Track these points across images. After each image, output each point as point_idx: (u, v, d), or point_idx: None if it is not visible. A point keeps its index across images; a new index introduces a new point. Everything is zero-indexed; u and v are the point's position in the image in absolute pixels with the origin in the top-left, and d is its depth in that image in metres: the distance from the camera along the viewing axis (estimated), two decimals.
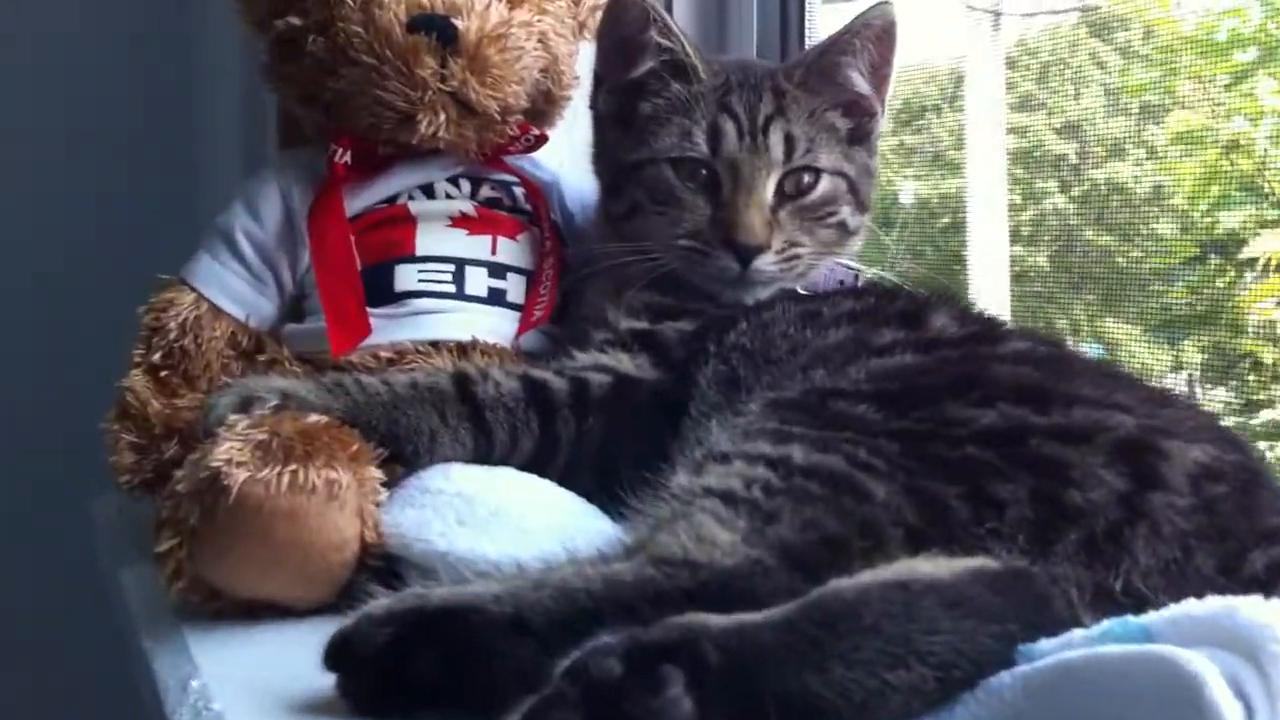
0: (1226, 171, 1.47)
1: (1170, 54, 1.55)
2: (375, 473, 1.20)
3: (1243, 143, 1.47)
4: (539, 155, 1.65)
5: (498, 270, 1.53)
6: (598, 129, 1.60)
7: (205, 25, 2.10)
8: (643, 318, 1.44)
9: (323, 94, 1.50)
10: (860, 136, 1.54)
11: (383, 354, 1.41)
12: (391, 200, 1.53)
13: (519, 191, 1.61)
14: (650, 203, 1.46)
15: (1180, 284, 1.56)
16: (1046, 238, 1.86)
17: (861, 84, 1.52)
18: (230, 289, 1.52)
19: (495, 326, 1.49)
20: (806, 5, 2.00)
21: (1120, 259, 1.67)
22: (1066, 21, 1.80)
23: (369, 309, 1.43)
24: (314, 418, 1.18)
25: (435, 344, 1.43)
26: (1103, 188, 1.72)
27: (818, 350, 1.23)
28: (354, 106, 1.47)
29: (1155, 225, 1.62)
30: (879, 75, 1.52)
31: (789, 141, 1.46)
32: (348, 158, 1.48)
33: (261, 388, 1.26)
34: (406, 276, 1.48)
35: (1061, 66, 1.79)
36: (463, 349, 1.44)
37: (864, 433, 1.00)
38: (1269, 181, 1.44)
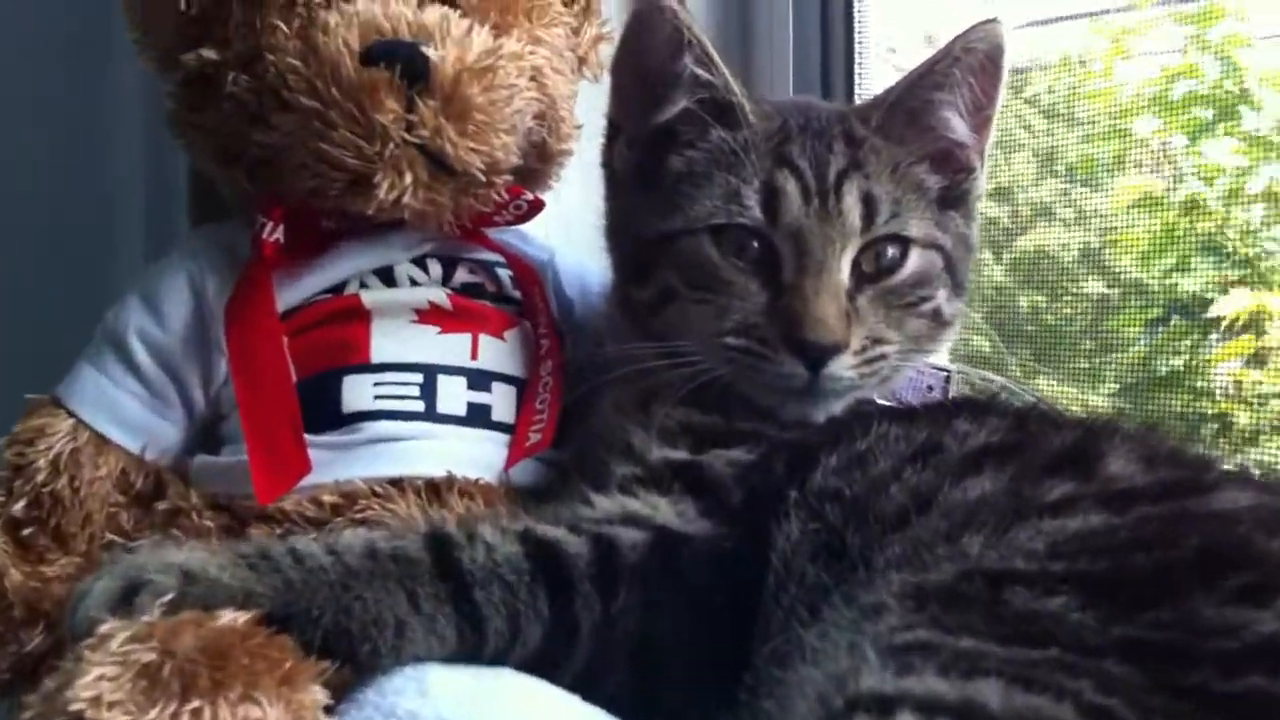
0: (1185, 232, 1.50)
1: (1117, 118, 1.56)
2: (317, 695, 0.91)
3: (1200, 202, 1.49)
4: (525, 227, 1.44)
5: (480, 379, 1.30)
6: (613, 192, 1.35)
7: (97, 66, 1.79)
8: (681, 444, 1.18)
9: (247, 150, 1.27)
10: (955, 198, 1.28)
11: (327, 498, 1.18)
12: (338, 289, 1.31)
13: (505, 274, 1.39)
14: (686, 287, 1.23)
15: (1142, 345, 1.57)
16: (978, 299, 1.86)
17: (959, 128, 1.26)
18: (121, 411, 1.28)
19: (478, 455, 1.26)
20: (857, 52, 1.76)
21: (1050, 317, 1.72)
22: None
23: (308, 436, 1.21)
24: (227, 616, 0.91)
25: (398, 483, 1.20)
26: (1032, 252, 1.77)
27: (957, 507, 0.94)
28: (289, 166, 1.24)
29: (1086, 285, 1.67)
30: (980, 117, 1.26)
31: (869, 203, 1.20)
32: (279, 234, 1.26)
33: (153, 567, 0.96)
34: (359, 391, 1.25)
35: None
36: (435, 489, 1.21)
37: (1077, 648, 0.72)
38: (1231, 241, 1.47)
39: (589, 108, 1.40)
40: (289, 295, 1.28)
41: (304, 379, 1.24)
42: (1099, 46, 1.61)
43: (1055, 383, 1.66)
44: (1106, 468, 0.98)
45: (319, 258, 1.30)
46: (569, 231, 1.59)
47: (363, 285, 1.31)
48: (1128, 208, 1.55)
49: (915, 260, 1.22)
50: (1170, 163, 1.51)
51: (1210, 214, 1.48)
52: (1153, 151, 1.52)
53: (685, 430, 1.19)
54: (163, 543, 1.09)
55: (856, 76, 1.74)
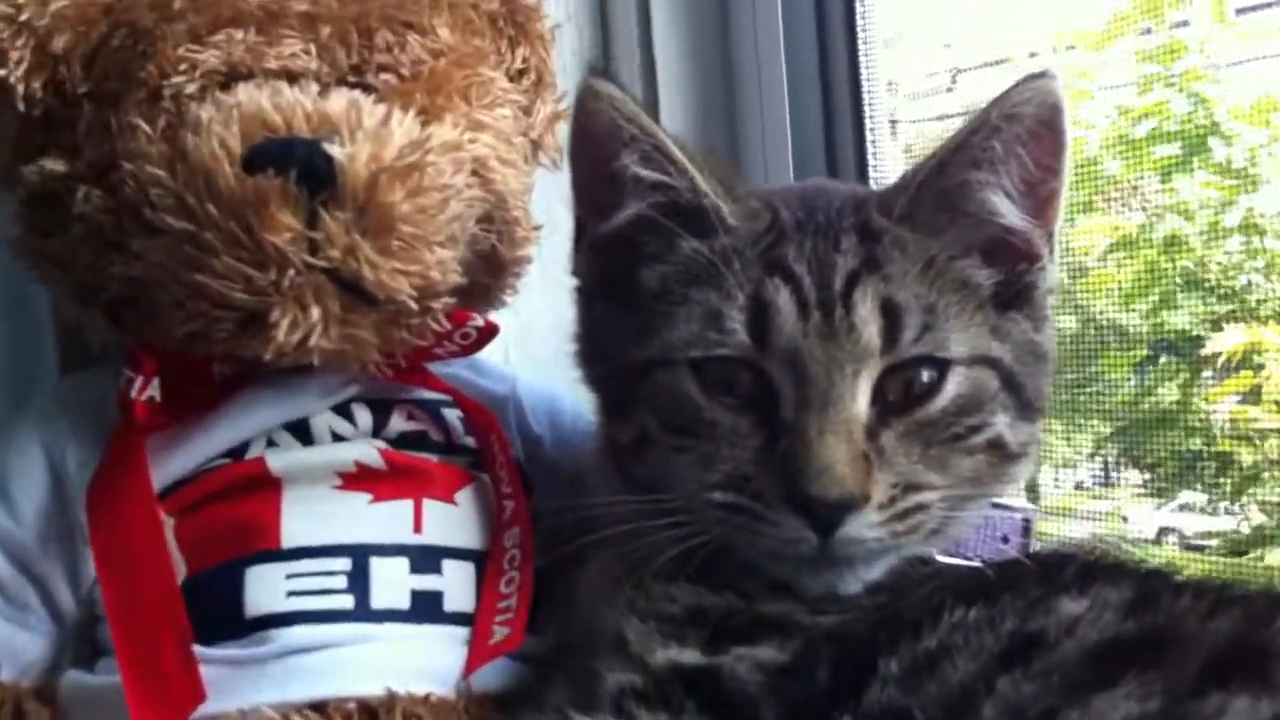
0: (1165, 269, 1.49)
1: (1084, 158, 1.52)
2: None
3: (1179, 238, 1.47)
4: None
5: (426, 559, 1.09)
6: (585, 306, 1.13)
7: None
8: (690, 639, 0.95)
9: (106, 285, 1.07)
10: (1016, 295, 1.04)
11: None
12: (238, 453, 1.11)
13: (454, 416, 1.18)
14: (664, 431, 1.01)
15: (1133, 386, 1.55)
16: None
17: (1008, 212, 1.02)
18: None
19: (427, 662, 1.05)
20: (867, 119, 1.57)
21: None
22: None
23: (200, 650, 1.01)
24: None
25: (322, 708, 1.00)
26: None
27: None
28: (159, 304, 1.04)
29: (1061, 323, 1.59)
30: (1040, 194, 1.02)
31: (890, 314, 0.97)
32: (154, 390, 1.06)
33: None
34: (267, 587, 1.05)
35: None
36: (371, 713, 1.00)
37: None
38: (1213, 275, 1.45)
39: (552, 198, 1.21)
40: (175, 463, 1.08)
41: (195, 574, 1.04)
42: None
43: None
44: None
45: (212, 413, 1.10)
46: (528, 342, 1.41)
47: (270, 444, 1.10)
48: (1109, 249, 1.52)
49: (957, 382, 0.98)
50: (1141, 201, 1.48)
51: (1190, 250, 1.45)
52: (1123, 190, 1.49)
53: (693, 618, 0.95)
54: None
55: (869, 148, 1.57)
